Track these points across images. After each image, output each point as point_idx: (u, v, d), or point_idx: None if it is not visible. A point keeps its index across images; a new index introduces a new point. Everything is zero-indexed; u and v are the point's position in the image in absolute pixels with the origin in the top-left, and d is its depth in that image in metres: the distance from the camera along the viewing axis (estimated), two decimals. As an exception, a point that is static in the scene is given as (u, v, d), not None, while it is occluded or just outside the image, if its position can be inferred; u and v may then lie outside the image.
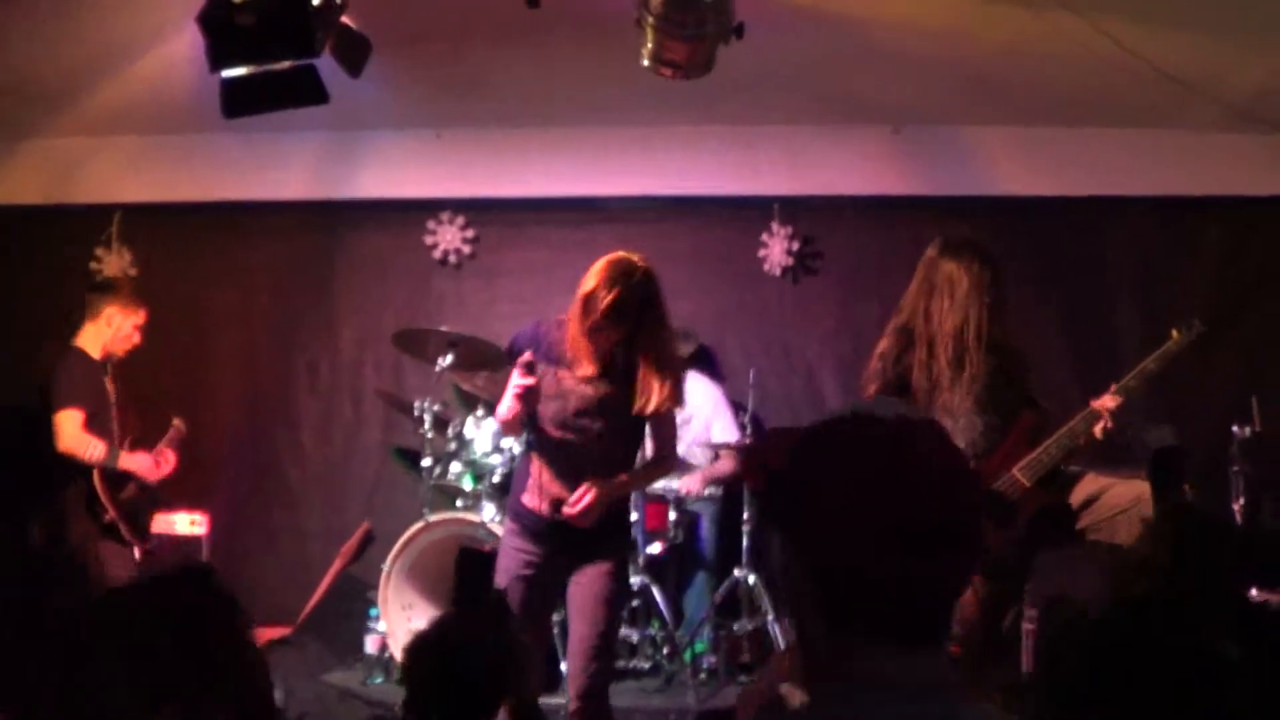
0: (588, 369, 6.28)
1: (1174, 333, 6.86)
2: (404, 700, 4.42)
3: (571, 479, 6.36)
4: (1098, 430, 6.68)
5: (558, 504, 6.33)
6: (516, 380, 6.23)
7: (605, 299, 6.09)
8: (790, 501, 2.45)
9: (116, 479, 8.47)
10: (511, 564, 6.43)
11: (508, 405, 6.37)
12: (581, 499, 6.27)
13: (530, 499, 6.45)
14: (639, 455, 6.75)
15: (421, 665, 4.41)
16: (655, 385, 6.33)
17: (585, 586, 6.42)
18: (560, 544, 6.40)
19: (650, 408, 6.37)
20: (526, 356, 6.26)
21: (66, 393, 8.37)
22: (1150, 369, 6.79)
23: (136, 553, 8.62)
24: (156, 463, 8.71)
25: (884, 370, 6.85)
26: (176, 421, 8.96)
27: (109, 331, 8.67)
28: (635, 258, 6.28)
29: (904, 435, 2.44)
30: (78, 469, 8.34)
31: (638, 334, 6.24)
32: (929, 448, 2.44)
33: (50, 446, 8.28)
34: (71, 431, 8.27)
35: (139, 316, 8.80)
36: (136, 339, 8.81)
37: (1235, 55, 8.28)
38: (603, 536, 6.42)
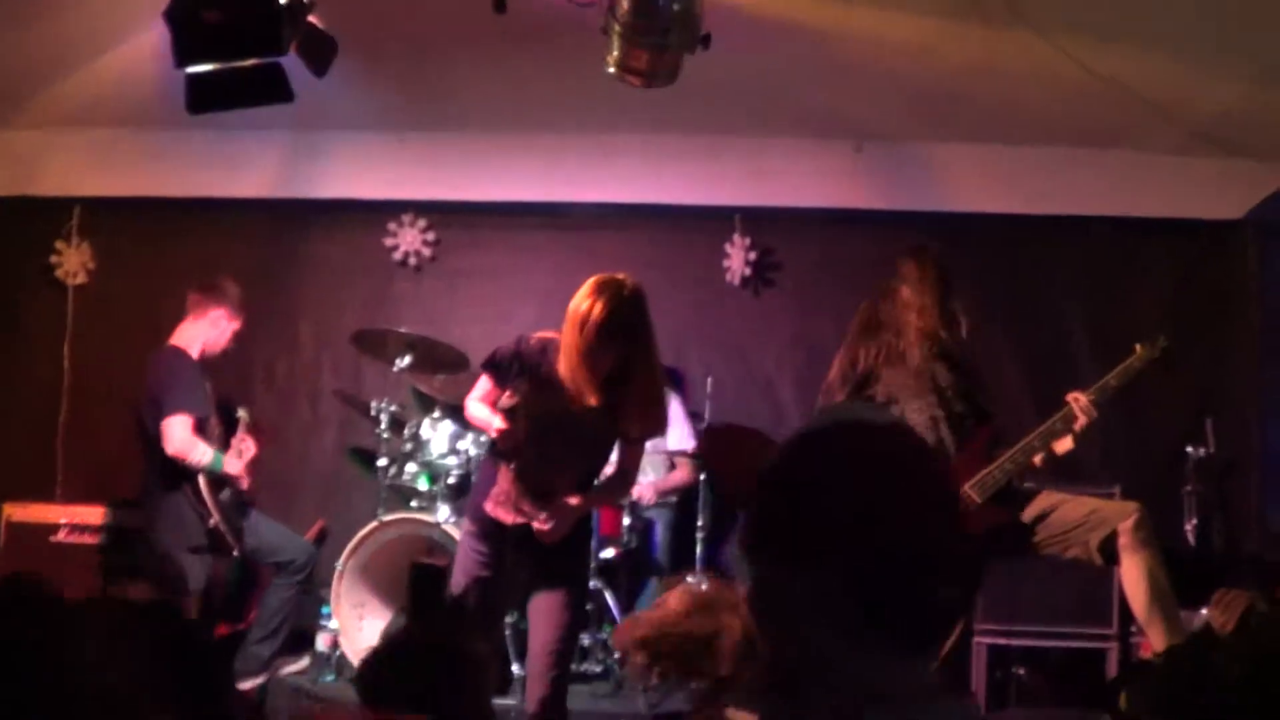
0: (586, 398, 6.25)
1: (1137, 348, 6.89)
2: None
3: (541, 495, 6.44)
4: (1063, 443, 6.71)
5: (528, 515, 6.42)
6: (496, 424, 6.34)
7: (598, 317, 6.06)
8: (795, 514, 2.43)
9: (217, 483, 8.50)
10: (469, 564, 6.48)
11: (500, 424, 6.43)
12: (552, 519, 6.36)
13: (494, 508, 6.49)
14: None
15: (380, 679, 4.42)
16: (643, 413, 6.40)
17: (547, 599, 6.45)
18: (520, 552, 6.45)
19: (635, 434, 6.43)
20: (508, 400, 6.39)
21: (177, 397, 8.37)
22: (1111, 384, 6.81)
23: (235, 553, 8.68)
24: (239, 453, 8.71)
25: (844, 372, 6.88)
26: (242, 412, 8.94)
27: (213, 333, 8.72)
28: (622, 276, 6.25)
29: (902, 447, 2.44)
30: (184, 474, 8.37)
31: (631, 356, 6.24)
32: (925, 460, 2.45)
33: (158, 450, 8.32)
34: (182, 435, 8.27)
35: (239, 322, 8.86)
36: (230, 344, 8.89)
37: (1197, 79, 8.32)
38: (565, 553, 6.49)
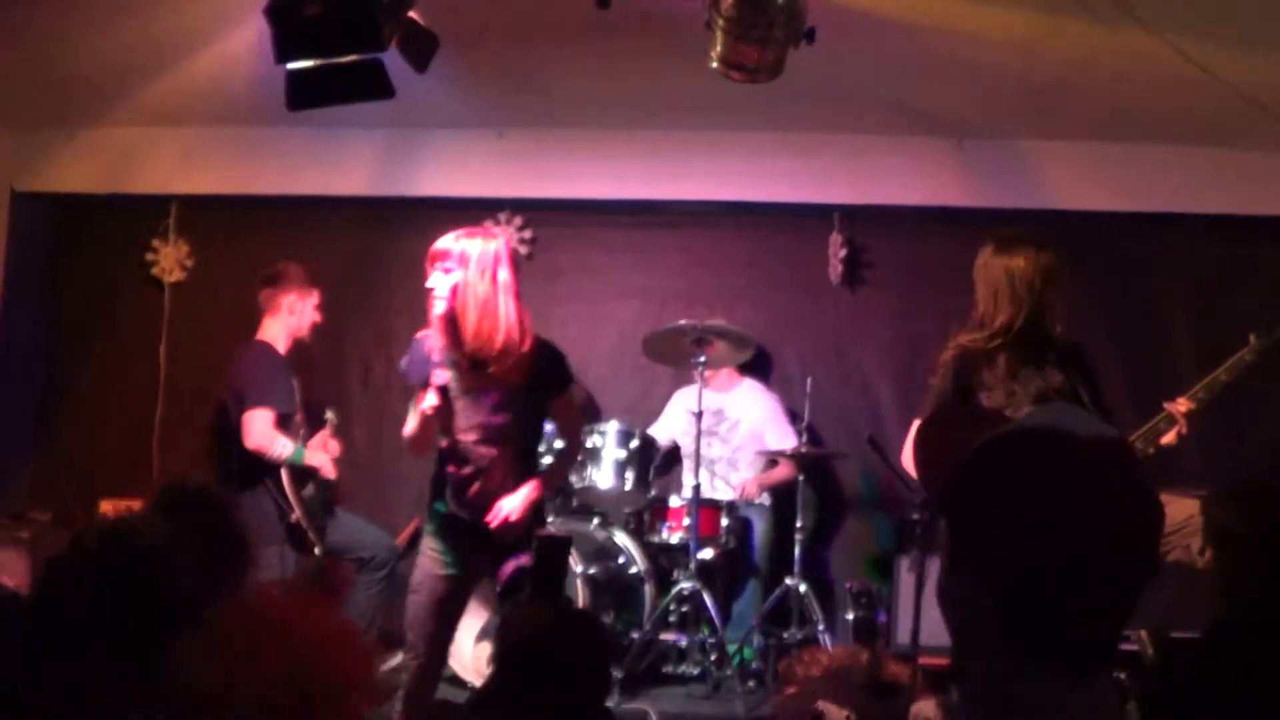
0: (456, 360, 6.37)
1: (1251, 336, 6.65)
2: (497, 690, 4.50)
3: (481, 479, 6.46)
4: (1168, 438, 6.52)
5: (477, 507, 6.42)
6: (427, 401, 6.32)
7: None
8: (975, 526, 2.36)
9: (300, 478, 8.53)
10: (430, 565, 6.51)
11: (414, 424, 6.52)
12: (500, 516, 6.37)
13: (446, 504, 6.56)
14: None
15: (535, 658, 4.42)
16: (498, 351, 6.31)
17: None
18: (473, 543, 6.48)
19: (494, 371, 6.34)
20: (441, 379, 6.37)
21: (259, 391, 8.42)
22: (1221, 380, 6.60)
23: (317, 551, 8.67)
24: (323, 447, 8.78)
25: (943, 384, 6.70)
26: (330, 414, 8.96)
27: (293, 319, 8.80)
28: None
29: (1085, 454, 2.34)
30: (265, 468, 8.39)
31: (468, 300, 6.25)
32: (1111, 467, 2.34)
33: (239, 445, 8.35)
34: (261, 429, 8.31)
35: (315, 296, 8.92)
36: (318, 317, 8.95)
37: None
38: (519, 535, 6.40)
